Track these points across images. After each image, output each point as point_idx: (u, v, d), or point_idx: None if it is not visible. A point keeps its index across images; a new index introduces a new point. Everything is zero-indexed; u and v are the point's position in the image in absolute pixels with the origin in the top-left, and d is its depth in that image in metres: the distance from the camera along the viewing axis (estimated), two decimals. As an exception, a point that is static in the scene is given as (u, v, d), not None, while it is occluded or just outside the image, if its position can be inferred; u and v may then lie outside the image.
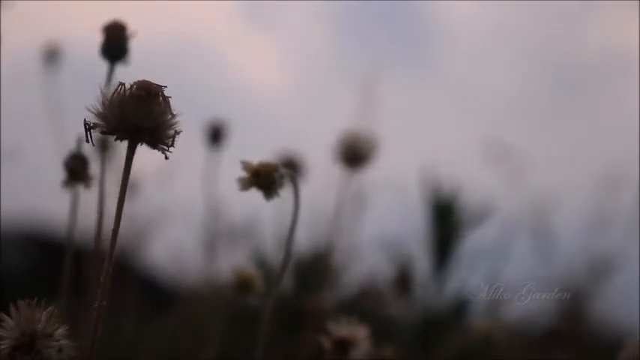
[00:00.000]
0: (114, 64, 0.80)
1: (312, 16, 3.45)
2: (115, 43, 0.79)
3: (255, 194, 0.67)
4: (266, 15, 3.25)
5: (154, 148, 0.57)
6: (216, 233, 1.47)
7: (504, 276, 1.76)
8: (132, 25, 0.81)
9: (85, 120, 0.56)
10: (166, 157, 0.57)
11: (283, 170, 0.67)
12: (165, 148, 0.57)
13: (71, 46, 1.41)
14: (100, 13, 0.81)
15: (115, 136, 0.57)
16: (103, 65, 0.81)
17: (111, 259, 0.57)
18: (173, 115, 0.57)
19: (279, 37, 3.37)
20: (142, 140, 0.57)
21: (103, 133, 0.56)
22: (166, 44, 2.78)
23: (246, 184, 0.67)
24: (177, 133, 0.57)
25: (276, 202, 0.68)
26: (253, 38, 3.46)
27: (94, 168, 0.80)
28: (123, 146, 0.58)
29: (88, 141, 0.56)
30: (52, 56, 1.42)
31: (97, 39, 0.80)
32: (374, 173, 1.47)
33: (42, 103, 1.42)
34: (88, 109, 0.56)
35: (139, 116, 0.55)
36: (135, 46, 0.81)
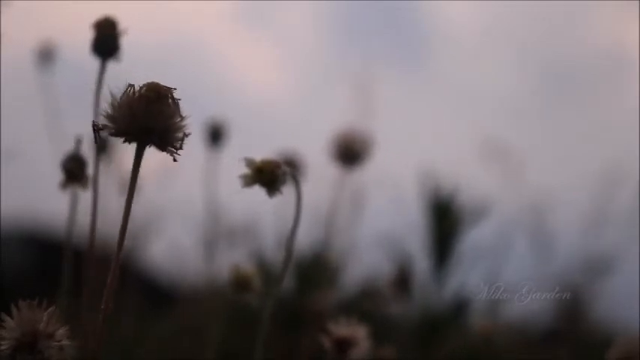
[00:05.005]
0: (105, 60, 0.80)
1: (311, 15, 3.45)
2: (106, 40, 0.79)
3: (256, 193, 0.67)
4: (264, 14, 3.25)
5: (162, 150, 0.57)
6: (216, 233, 1.47)
7: (504, 276, 1.76)
8: (129, 24, 0.80)
9: (93, 121, 0.56)
10: (175, 160, 0.57)
11: (286, 167, 0.67)
12: (174, 150, 0.57)
13: (70, 46, 1.41)
14: (98, 11, 0.80)
15: (124, 138, 0.56)
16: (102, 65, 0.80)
17: (118, 261, 0.57)
18: (182, 118, 0.56)
19: (278, 36, 3.37)
20: (151, 142, 0.57)
21: (112, 134, 0.56)
22: (165, 44, 2.78)
23: (249, 180, 0.67)
24: (185, 135, 0.57)
25: (276, 201, 0.68)
26: (251, 38, 3.46)
27: (91, 169, 0.79)
28: (122, 147, 0.58)
29: (96, 142, 0.56)
30: (48, 55, 1.42)
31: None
32: (372, 172, 1.47)
33: (40, 103, 1.42)
34: (99, 112, 0.56)
35: (148, 118, 0.55)
36: (134, 45, 0.81)
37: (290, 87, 3.38)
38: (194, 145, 1.35)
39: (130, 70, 0.57)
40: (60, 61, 1.40)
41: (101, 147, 0.81)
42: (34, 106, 1.45)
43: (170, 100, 0.56)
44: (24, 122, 1.77)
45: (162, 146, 0.57)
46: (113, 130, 0.56)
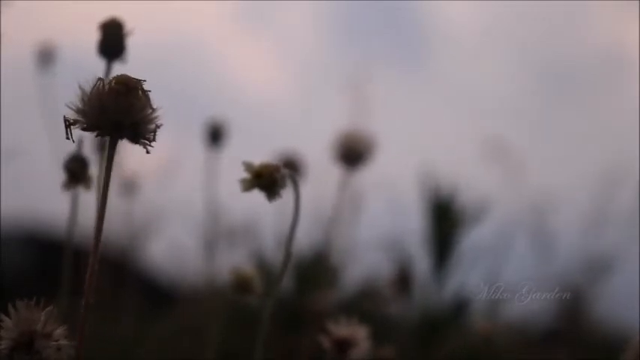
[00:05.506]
0: (111, 62, 0.80)
1: (311, 15, 3.45)
2: (112, 40, 0.79)
3: (256, 195, 0.67)
4: (264, 14, 3.25)
5: (135, 144, 0.57)
6: (216, 233, 1.47)
7: (504, 276, 1.76)
8: (130, 24, 0.80)
9: (64, 117, 0.55)
10: (148, 152, 0.56)
11: (285, 171, 0.67)
12: (147, 142, 0.56)
13: (70, 46, 1.41)
14: (98, 11, 0.80)
15: (95, 133, 0.56)
16: (102, 64, 0.80)
17: (96, 256, 0.57)
18: (153, 110, 0.56)
19: (278, 36, 3.37)
20: (123, 136, 0.56)
21: (83, 129, 0.56)
22: (165, 44, 2.78)
23: (248, 185, 0.66)
24: (157, 127, 0.56)
25: (276, 202, 0.67)
26: (251, 38, 3.46)
27: (93, 169, 0.79)
28: (123, 147, 0.58)
29: (68, 138, 0.56)
30: (48, 56, 1.42)
31: (95, 38, 0.80)
32: (372, 172, 1.47)
33: (40, 103, 1.42)
34: (68, 106, 0.56)
35: (118, 111, 0.55)
36: (134, 45, 0.81)
37: (290, 87, 3.38)
38: (194, 145, 1.35)
39: (130, 70, 0.56)
40: (60, 62, 1.40)
41: (102, 146, 0.81)
42: (34, 106, 1.45)
43: (140, 93, 0.55)
44: (24, 122, 1.77)
45: (135, 139, 0.56)
46: (84, 125, 0.56)
